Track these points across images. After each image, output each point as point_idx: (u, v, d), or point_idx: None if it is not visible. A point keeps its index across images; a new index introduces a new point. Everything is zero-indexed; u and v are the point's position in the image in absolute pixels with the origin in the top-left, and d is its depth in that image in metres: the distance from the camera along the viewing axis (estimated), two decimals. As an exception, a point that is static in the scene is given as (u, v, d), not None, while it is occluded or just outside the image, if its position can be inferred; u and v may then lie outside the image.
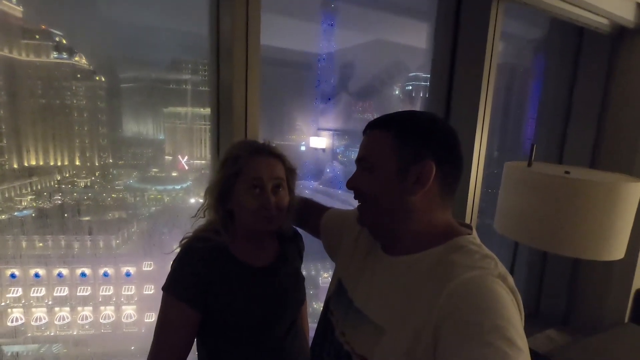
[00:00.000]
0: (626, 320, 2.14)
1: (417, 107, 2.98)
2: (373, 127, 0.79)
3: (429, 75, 1.87)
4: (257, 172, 0.91)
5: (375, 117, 0.82)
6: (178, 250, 0.94)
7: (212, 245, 0.93)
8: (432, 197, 0.74)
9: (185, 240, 0.96)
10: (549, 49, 2.32)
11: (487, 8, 1.58)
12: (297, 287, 1.05)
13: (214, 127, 1.32)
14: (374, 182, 0.75)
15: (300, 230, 1.18)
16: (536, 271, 2.40)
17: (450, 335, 0.58)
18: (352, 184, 0.80)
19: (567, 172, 1.40)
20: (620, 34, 1.95)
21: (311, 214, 1.13)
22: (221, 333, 0.93)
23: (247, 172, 0.91)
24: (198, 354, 0.99)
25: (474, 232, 0.76)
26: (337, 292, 0.88)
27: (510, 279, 0.65)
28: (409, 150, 0.73)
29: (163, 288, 0.90)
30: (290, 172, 1.00)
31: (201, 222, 1.00)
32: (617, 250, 1.36)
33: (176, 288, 0.90)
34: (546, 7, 1.63)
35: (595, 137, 2.08)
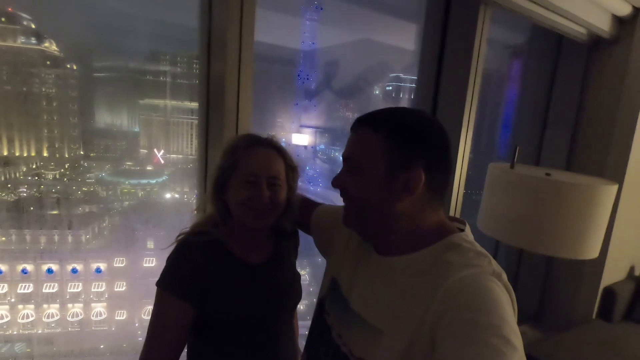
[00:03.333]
0: (594, 316, 2.25)
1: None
2: (363, 124, 0.74)
3: (416, 77, 1.90)
4: (253, 166, 0.89)
5: (357, 115, 0.78)
6: (174, 245, 0.92)
7: (208, 240, 0.90)
8: (420, 202, 0.72)
9: (181, 236, 0.93)
10: (528, 55, 2.40)
11: (475, 12, 1.62)
12: (292, 286, 1.04)
13: (203, 121, 1.28)
14: (360, 185, 0.72)
15: None
16: (511, 270, 2.49)
17: (446, 334, 0.58)
18: (337, 183, 0.77)
19: (547, 174, 1.46)
20: (596, 43, 2.05)
21: (301, 210, 1.12)
22: (214, 331, 0.91)
23: (242, 166, 0.89)
24: (188, 352, 0.97)
25: (467, 228, 0.76)
26: (332, 293, 0.86)
27: (505, 276, 0.65)
28: (400, 156, 0.70)
29: (157, 283, 0.87)
30: (291, 169, 0.97)
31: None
32: (593, 249, 1.42)
33: (171, 283, 0.87)
34: (530, 14, 1.68)
35: (570, 140, 2.17)
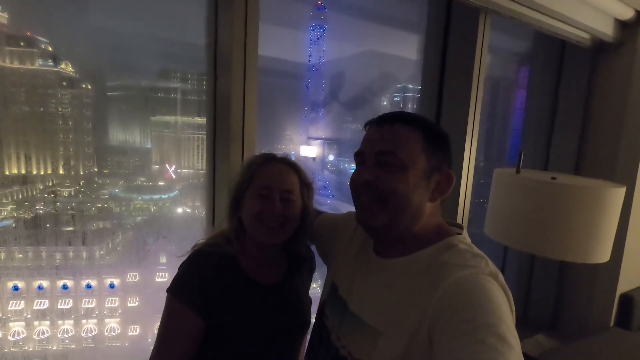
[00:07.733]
0: (611, 324, 2.19)
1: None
2: (396, 120, 0.74)
3: (419, 86, 1.92)
4: (266, 180, 0.90)
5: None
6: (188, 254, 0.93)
7: (221, 253, 0.90)
8: (436, 204, 0.77)
9: (196, 247, 0.94)
10: (534, 62, 2.40)
11: (475, 20, 1.64)
12: (301, 311, 1.00)
13: (210, 136, 1.32)
14: (403, 182, 0.71)
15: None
16: (524, 278, 2.44)
17: (443, 333, 0.58)
18: (373, 179, 0.72)
19: (553, 178, 1.45)
20: (600, 47, 2.05)
21: None
22: (221, 349, 0.89)
23: (257, 180, 0.90)
24: None
25: (465, 232, 0.77)
26: (332, 297, 0.87)
27: (501, 277, 0.66)
28: (435, 157, 0.73)
29: (168, 290, 0.87)
30: (306, 186, 0.97)
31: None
32: (603, 253, 1.40)
33: (182, 292, 0.87)
34: (530, 21, 1.70)
35: (578, 145, 2.16)
